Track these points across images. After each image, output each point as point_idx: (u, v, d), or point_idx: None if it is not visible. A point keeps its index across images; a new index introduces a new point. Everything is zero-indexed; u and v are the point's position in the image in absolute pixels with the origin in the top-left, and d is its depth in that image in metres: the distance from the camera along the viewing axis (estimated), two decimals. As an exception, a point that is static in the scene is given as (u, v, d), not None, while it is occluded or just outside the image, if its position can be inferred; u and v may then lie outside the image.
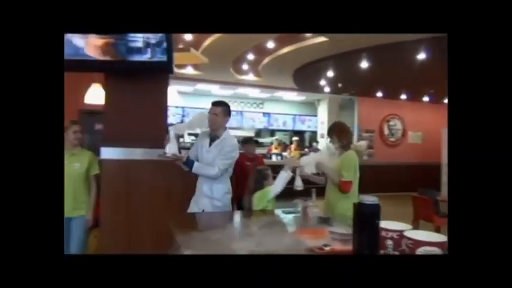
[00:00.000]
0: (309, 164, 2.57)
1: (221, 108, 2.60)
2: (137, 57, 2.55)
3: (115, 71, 2.74)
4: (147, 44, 2.53)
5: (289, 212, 2.44)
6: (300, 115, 10.59)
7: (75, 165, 2.73)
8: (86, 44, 2.51)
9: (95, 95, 3.91)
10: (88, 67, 2.64)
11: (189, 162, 2.50)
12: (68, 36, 2.49)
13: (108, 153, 2.76)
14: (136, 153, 2.81)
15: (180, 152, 2.54)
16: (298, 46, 5.63)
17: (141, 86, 2.84)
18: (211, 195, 2.57)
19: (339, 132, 2.67)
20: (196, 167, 2.51)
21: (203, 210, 2.53)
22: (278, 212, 2.54)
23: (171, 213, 2.52)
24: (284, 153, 8.24)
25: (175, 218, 2.33)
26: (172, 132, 2.48)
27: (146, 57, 2.55)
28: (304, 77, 7.44)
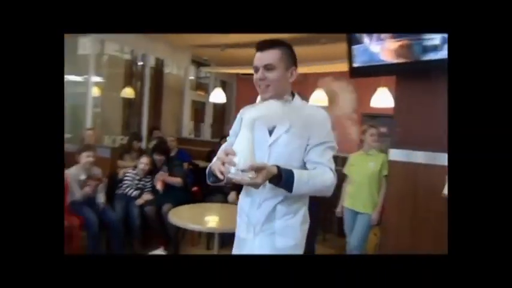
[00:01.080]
0: None
1: (280, 52, 1.25)
2: (432, 56, 2.42)
3: (407, 73, 2.73)
4: (445, 40, 2.36)
5: None
6: None
7: (370, 164, 2.95)
8: (381, 49, 2.65)
9: (381, 98, 4.06)
10: (382, 71, 2.78)
11: (287, 177, 1.17)
12: (366, 44, 2.72)
13: (396, 155, 2.80)
14: (420, 156, 2.69)
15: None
16: None
17: (432, 86, 2.68)
18: (271, 228, 1.30)
19: None
20: (301, 182, 1.18)
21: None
22: None
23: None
24: None
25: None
26: (247, 127, 1.14)
27: (442, 54, 2.38)
28: None
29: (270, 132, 1.31)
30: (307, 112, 1.32)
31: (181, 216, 2.70)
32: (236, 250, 1.41)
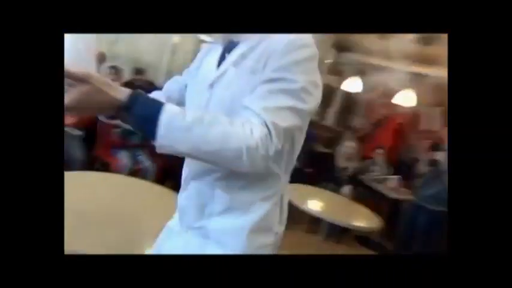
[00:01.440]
0: None
1: None
2: None
3: None
4: None
5: None
6: None
7: None
8: None
9: None
10: None
11: (146, 109, 0.66)
12: None
13: None
14: None
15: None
16: None
17: None
18: (203, 227, 0.84)
19: None
20: (176, 125, 0.65)
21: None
22: None
23: None
24: None
25: None
26: None
27: None
28: None
29: (219, 62, 0.84)
30: (275, 37, 0.77)
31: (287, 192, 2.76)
32: (162, 240, 0.98)
